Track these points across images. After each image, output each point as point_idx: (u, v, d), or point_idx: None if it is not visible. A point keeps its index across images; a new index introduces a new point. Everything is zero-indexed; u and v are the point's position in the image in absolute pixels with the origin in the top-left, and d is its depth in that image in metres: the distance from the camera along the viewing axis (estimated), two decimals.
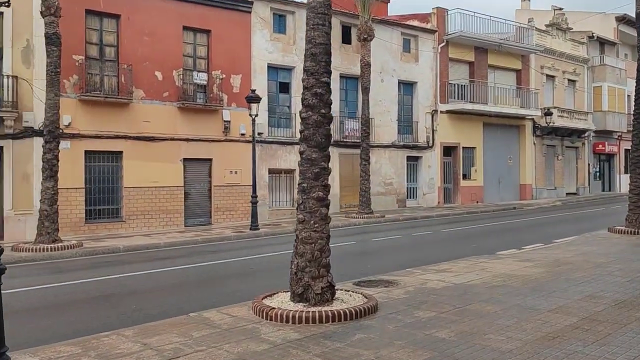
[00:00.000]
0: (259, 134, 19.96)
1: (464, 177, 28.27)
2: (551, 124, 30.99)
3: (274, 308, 6.62)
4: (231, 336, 5.93)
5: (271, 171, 21.29)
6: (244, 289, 8.94)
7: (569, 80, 34.29)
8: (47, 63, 14.06)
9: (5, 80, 15.46)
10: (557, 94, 33.30)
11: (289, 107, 21.97)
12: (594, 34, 35.89)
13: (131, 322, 6.93)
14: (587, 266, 9.74)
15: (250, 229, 17.38)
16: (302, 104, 7.22)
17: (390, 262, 11.42)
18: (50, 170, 13.90)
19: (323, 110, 7.13)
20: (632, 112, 15.48)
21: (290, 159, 21.31)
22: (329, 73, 7.24)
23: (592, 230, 15.69)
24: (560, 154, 33.67)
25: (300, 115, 7.32)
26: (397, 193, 25.39)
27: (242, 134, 19.98)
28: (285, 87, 22.15)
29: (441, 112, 26.99)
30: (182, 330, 6.16)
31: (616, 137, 37.74)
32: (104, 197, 17.53)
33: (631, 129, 15.53)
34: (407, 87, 26.26)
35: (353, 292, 7.51)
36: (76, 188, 16.73)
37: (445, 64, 27.22)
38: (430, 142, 26.77)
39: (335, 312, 6.47)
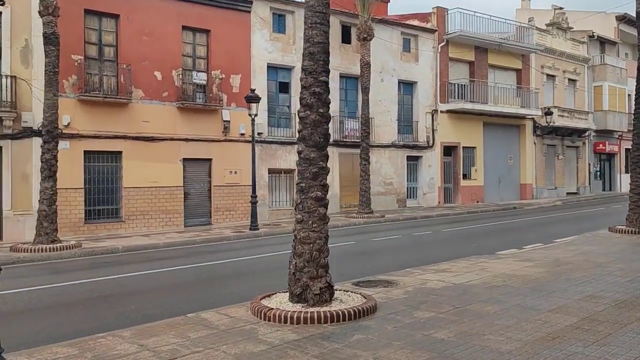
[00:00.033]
0: (258, 133, 19.93)
1: (464, 176, 28.22)
2: (551, 124, 30.95)
3: (272, 309, 6.58)
4: (229, 337, 5.89)
5: (271, 171, 21.26)
6: (242, 289, 8.89)
7: (569, 79, 34.24)
8: (45, 63, 14.02)
9: (3, 80, 15.43)
10: (557, 94, 33.25)
11: (289, 107, 21.93)
12: (594, 34, 35.83)
13: (129, 322, 6.90)
14: (587, 266, 9.70)
15: (250, 229, 17.34)
16: (300, 103, 7.18)
17: (389, 262, 11.37)
18: (49, 170, 13.87)
19: (321, 110, 7.09)
20: (633, 112, 15.43)
21: (290, 158, 21.26)
22: (327, 72, 7.21)
23: (593, 229, 15.63)
24: (560, 154, 33.62)
25: (298, 114, 7.28)
26: (397, 193, 25.35)
27: (242, 134, 19.94)
28: (285, 87, 22.10)
29: (441, 111, 26.94)
30: (179, 331, 6.13)
31: (617, 136, 37.67)
32: (103, 197, 17.50)
33: (632, 128, 15.47)
34: (407, 86, 26.22)
35: (352, 292, 7.47)
36: (75, 188, 16.70)
37: (445, 63, 27.17)
38: (431, 141, 26.72)
39: (334, 313, 6.43)
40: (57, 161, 14.06)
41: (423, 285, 8.32)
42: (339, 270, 9.55)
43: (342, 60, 23.29)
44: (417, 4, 37.19)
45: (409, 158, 25.91)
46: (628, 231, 14.37)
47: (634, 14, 17.30)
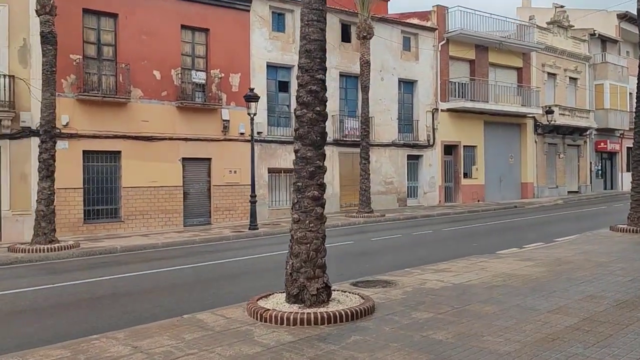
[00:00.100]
0: (258, 133, 19.86)
1: (465, 175, 28.12)
2: (552, 122, 30.85)
3: (268, 309, 6.51)
4: (224, 339, 5.81)
5: (271, 170, 21.17)
6: (241, 289, 8.83)
7: (570, 78, 34.10)
8: (42, 62, 13.94)
9: (2, 80, 15.34)
10: (558, 92, 33.13)
11: (289, 106, 21.82)
12: (595, 32, 35.68)
13: (124, 324, 6.83)
14: (588, 265, 9.61)
15: (249, 229, 17.27)
16: (297, 102, 7.11)
17: (389, 261, 11.29)
18: (47, 170, 13.79)
19: (318, 108, 7.01)
20: (634, 110, 15.34)
21: (290, 158, 20.92)
22: (324, 70, 7.13)
23: (594, 228, 15.55)
24: (561, 152, 33.51)
25: (294, 113, 7.20)
26: (397, 192, 25.26)
27: (242, 133, 19.86)
28: (284, 86, 22.01)
29: (442, 110, 26.84)
30: (174, 333, 6.05)
31: (618, 135, 37.53)
32: (102, 197, 17.43)
33: (633, 126, 15.37)
34: (407, 85, 26.12)
35: (350, 292, 7.39)
36: (74, 188, 16.63)
37: (445, 62, 27.06)
38: (431, 140, 26.62)
39: (331, 314, 6.35)
40: (54, 161, 14.00)
41: (422, 286, 8.24)
42: (337, 270, 9.49)
43: (342, 59, 23.20)
44: (417, 2, 37.10)
45: (409, 157, 25.81)
46: (629, 230, 14.28)
47: (635, 12, 17.18)
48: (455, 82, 27.24)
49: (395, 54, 25.21)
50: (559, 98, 32.85)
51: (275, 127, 21.48)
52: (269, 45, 21.12)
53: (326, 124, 7.22)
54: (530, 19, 32.23)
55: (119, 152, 17.52)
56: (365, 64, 21.57)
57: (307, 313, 6.33)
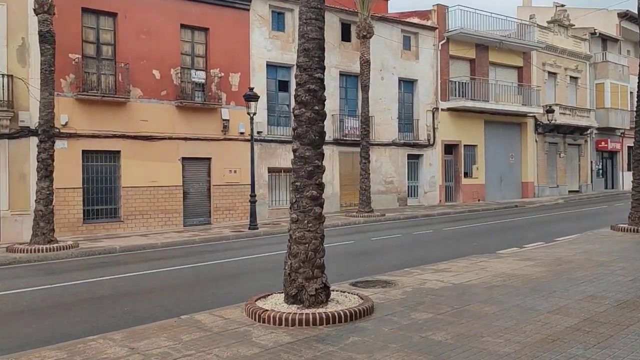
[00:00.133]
0: (258, 132, 19.81)
1: (466, 175, 28.07)
2: (553, 122, 30.79)
3: (266, 310, 6.46)
4: (221, 340, 5.77)
5: (271, 170, 21.12)
6: (240, 290, 8.79)
7: (571, 77, 34.04)
8: (41, 62, 13.89)
9: (0, 79, 15.31)
10: (559, 91, 33.07)
11: (289, 105, 21.75)
12: (596, 31, 35.62)
13: (122, 324, 6.80)
14: (589, 265, 9.56)
15: (249, 229, 17.23)
16: (295, 101, 7.06)
17: (389, 261, 11.25)
18: (45, 170, 13.75)
19: (316, 107, 6.96)
20: (635, 109, 15.28)
21: (290, 157, 20.90)
22: (323, 69, 7.09)
23: (595, 228, 15.50)
24: (562, 152, 33.44)
25: (293, 112, 7.16)
26: (397, 191, 25.21)
27: (241, 133, 19.81)
28: (284, 86, 21.96)
29: (442, 109, 26.79)
30: (171, 334, 6.01)
31: (619, 134, 37.47)
32: (101, 197, 17.38)
33: (634, 126, 15.31)
34: (407, 84, 26.07)
35: (349, 293, 7.34)
36: (74, 188, 16.58)
37: (445, 61, 27.01)
38: (431, 140, 26.57)
39: (330, 314, 6.30)
40: (53, 161, 13.95)
41: (422, 286, 8.19)
42: (337, 270, 9.45)
43: (341, 58, 23.16)
44: (417, 1, 37.01)
45: (409, 156, 25.76)
46: (630, 229, 14.23)
47: (635, 11, 17.13)
48: (455, 82, 27.18)
49: (395, 53, 25.16)
50: (559, 97, 32.80)
51: (275, 126, 21.43)
52: (268, 45, 21.07)
53: (326, 123, 7.19)
54: (530, 18, 32.15)
55: (119, 151, 17.47)
56: (365, 63, 21.52)
57: (306, 314, 6.29)
